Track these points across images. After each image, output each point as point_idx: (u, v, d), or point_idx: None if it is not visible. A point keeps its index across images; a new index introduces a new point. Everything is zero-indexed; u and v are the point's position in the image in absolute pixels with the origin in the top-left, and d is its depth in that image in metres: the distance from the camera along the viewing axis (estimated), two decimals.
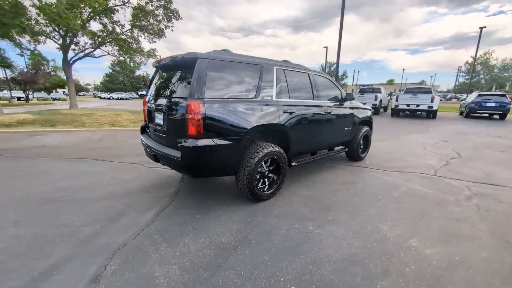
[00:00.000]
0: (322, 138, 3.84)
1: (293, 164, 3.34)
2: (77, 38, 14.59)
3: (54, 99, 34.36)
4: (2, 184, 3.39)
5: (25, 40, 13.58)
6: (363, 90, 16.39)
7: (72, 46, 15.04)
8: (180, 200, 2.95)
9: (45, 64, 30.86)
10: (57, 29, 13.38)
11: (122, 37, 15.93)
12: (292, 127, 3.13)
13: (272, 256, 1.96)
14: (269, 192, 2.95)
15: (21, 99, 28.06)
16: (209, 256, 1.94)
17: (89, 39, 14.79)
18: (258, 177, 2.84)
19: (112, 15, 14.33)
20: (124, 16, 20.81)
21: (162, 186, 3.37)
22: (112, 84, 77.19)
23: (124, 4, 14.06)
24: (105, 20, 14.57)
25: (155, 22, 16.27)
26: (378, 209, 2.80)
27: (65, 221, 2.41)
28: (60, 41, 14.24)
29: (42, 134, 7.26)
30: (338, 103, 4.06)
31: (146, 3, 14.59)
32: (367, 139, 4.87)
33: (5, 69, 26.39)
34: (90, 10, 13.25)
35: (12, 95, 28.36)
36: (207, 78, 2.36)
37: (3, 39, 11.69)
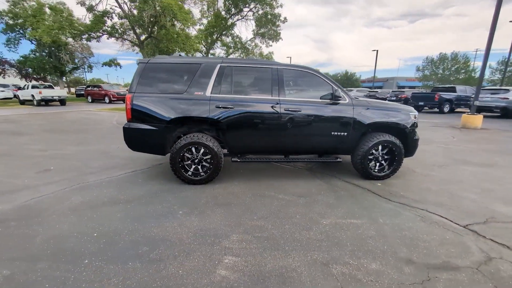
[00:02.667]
0: (284, 139, 3.43)
1: (232, 160, 3.40)
2: (213, 49, 19.42)
3: None
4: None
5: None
6: None
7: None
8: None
9: None
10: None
11: (247, 45, 19.25)
12: (228, 122, 3.22)
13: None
14: (197, 178, 3.30)
15: None
16: None
17: (224, 50, 19.25)
18: (189, 162, 3.28)
19: (232, 31, 17.74)
20: (245, 28, 24.73)
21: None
22: None
23: (243, 18, 16.95)
24: (233, 31, 18.32)
25: (273, 28, 18.22)
26: None
27: None
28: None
29: None
30: (322, 102, 3.40)
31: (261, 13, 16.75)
32: (393, 154, 3.56)
33: None
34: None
35: None
36: (140, 77, 3.14)
37: None
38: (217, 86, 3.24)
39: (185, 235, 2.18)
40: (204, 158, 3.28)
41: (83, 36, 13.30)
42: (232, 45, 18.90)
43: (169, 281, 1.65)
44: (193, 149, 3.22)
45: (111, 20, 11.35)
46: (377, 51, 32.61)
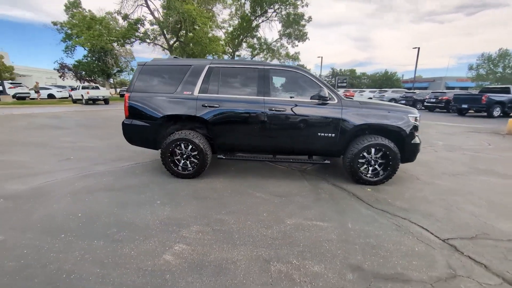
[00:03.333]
0: (269, 139, 3.45)
1: (218, 156, 3.54)
2: (239, 51, 19.83)
3: None
4: None
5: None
6: None
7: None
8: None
9: None
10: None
11: (272, 46, 19.29)
12: (213, 120, 3.36)
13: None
14: (185, 172, 3.51)
15: None
16: None
17: (249, 52, 19.57)
18: (179, 157, 3.51)
19: (256, 33, 17.89)
20: (269, 29, 24.61)
21: None
22: None
23: (267, 19, 17.02)
24: (257, 33, 18.52)
25: (298, 28, 17.99)
26: None
27: None
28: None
29: None
30: (309, 102, 3.35)
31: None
32: (387, 158, 3.35)
33: None
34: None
35: None
36: (138, 78, 3.46)
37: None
38: (205, 86, 3.41)
39: (151, 222, 2.38)
40: (192, 154, 3.47)
41: (118, 42, 14.91)
42: (257, 46, 19.17)
43: (119, 259, 1.85)
44: (182, 145, 3.43)
45: (143, 26, 12.59)
46: (419, 48, 29.97)
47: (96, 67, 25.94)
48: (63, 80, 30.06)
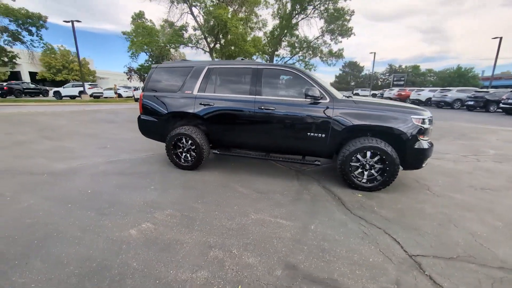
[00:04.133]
0: (261, 137, 3.53)
1: (213, 151, 3.79)
2: (278, 50, 19.78)
3: None
4: None
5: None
6: None
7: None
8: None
9: None
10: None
11: (313, 44, 18.71)
12: (209, 117, 3.63)
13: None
14: (185, 164, 3.88)
15: None
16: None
17: (288, 51, 19.40)
18: (180, 151, 3.91)
19: (295, 31, 17.49)
20: (308, 27, 23.23)
21: None
22: (338, 83, 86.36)
23: (307, 16, 16.51)
24: (296, 31, 18.17)
25: (343, 23, 17.04)
26: None
27: None
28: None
29: None
30: (298, 101, 3.32)
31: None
32: (384, 163, 3.08)
33: None
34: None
35: None
36: (150, 79, 3.96)
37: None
38: (204, 85, 3.70)
39: (137, 203, 2.77)
40: (192, 148, 3.81)
41: (171, 46, 16.89)
42: (297, 44, 18.84)
43: (97, 228, 2.26)
44: (184, 140, 3.80)
45: (186, 32, 13.90)
46: (500, 38, 24.83)
47: None
48: (130, 82, 35.05)
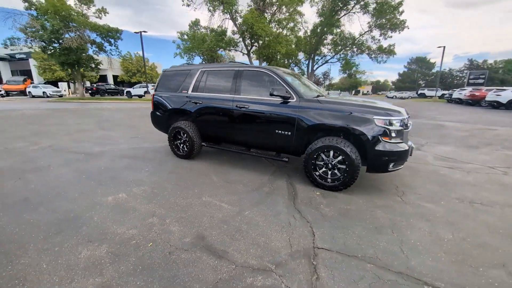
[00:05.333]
0: (239, 133, 3.89)
1: (203, 144, 4.34)
2: (319, 49, 19.09)
3: None
4: None
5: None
6: None
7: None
8: None
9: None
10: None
11: (358, 40, 17.52)
12: (198, 114, 4.19)
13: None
14: (181, 153, 4.55)
15: None
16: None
17: (329, 50, 18.58)
18: (178, 142, 4.60)
19: (336, 29, 16.55)
20: (349, 23, 20.90)
21: None
22: (401, 83, 77.02)
23: (349, 12, 15.47)
24: (338, 29, 17.24)
25: (392, 18, 15.55)
26: None
27: None
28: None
29: None
30: (268, 100, 3.56)
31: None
32: (345, 164, 3.08)
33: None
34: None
35: None
36: (160, 81, 4.75)
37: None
38: (196, 86, 4.27)
39: (127, 180, 3.51)
40: (186, 140, 4.44)
41: (221, 48, 18.65)
42: (339, 42, 17.83)
43: (89, 192, 3.05)
44: (181, 133, 4.46)
45: (225, 36, 14.93)
46: None
47: None
48: None
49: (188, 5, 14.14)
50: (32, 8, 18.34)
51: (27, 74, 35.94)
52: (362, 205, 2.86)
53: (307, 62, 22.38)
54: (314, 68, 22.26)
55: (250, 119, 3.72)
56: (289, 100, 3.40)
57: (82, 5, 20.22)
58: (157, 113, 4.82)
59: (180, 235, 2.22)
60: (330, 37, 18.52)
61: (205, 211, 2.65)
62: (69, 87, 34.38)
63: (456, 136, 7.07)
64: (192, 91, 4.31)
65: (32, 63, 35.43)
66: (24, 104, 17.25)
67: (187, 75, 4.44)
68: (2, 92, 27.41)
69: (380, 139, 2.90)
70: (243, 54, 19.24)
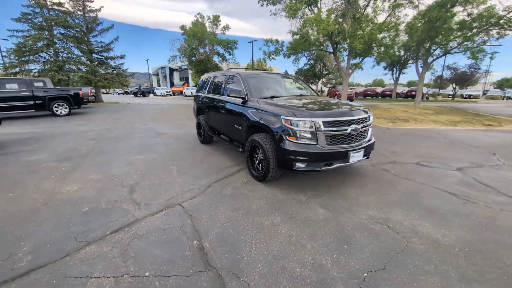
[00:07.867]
0: (221, 126, 4.93)
1: (208, 132, 5.66)
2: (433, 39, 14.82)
3: (463, 97, 34.59)
4: None
5: None
6: None
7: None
8: None
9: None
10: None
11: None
12: (204, 108, 5.56)
13: None
14: (201, 139, 6.08)
15: (449, 95, 32.35)
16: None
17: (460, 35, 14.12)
18: (200, 130, 6.16)
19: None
20: None
21: None
22: None
23: None
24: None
25: None
26: None
27: None
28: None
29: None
30: (232, 99, 4.34)
31: None
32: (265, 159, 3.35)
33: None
34: None
35: (440, 91, 34.01)
36: (198, 84, 6.44)
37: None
38: (207, 88, 5.59)
39: (150, 150, 5.40)
40: (204, 128, 5.91)
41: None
42: (475, 23, 12.79)
43: (108, 161, 5.12)
44: (201, 123, 5.96)
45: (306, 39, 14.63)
46: None
47: (309, 72, 32.82)
48: None
49: (275, 14, 15.41)
50: (182, 33, 25.90)
51: (187, 80, 50.65)
52: (278, 194, 3.14)
53: (414, 56, 17.80)
54: (428, 61, 17.26)
55: (224, 115, 4.64)
56: (246, 100, 3.95)
57: (213, 25, 26.37)
58: (195, 105, 6.54)
59: (120, 182, 3.68)
60: (456, 19, 13.78)
61: (170, 189, 3.94)
62: None
63: None
64: (206, 93, 5.69)
65: (190, 72, 49.71)
66: (168, 100, 25.24)
67: (209, 80, 5.85)
68: (170, 92, 40.47)
69: (284, 137, 3.06)
70: (329, 53, 18.38)
